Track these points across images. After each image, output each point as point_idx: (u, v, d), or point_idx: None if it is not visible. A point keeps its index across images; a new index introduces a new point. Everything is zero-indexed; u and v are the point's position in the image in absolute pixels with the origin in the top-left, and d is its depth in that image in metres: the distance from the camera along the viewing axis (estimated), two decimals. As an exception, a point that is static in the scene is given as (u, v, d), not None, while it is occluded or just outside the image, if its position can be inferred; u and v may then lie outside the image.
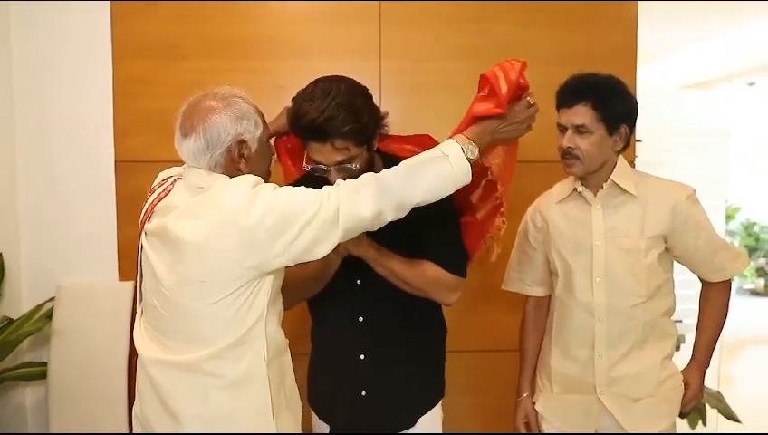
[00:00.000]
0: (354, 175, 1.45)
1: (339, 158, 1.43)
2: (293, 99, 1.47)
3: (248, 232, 1.23)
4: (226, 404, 1.29)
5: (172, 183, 1.39)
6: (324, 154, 1.44)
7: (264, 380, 1.30)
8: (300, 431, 1.44)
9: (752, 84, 5.12)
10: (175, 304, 1.29)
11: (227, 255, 1.24)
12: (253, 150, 1.36)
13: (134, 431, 1.41)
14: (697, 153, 4.41)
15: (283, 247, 1.25)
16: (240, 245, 1.23)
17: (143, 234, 1.37)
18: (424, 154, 1.35)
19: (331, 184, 1.42)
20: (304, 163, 1.50)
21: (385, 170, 1.33)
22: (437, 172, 1.33)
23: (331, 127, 1.39)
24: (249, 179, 1.29)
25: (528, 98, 1.44)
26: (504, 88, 1.38)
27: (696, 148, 4.42)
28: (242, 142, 1.34)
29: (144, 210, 1.39)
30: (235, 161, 1.34)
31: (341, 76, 1.49)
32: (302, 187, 1.30)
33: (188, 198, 1.31)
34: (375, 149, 1.54)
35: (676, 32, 3.91)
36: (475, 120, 1.41)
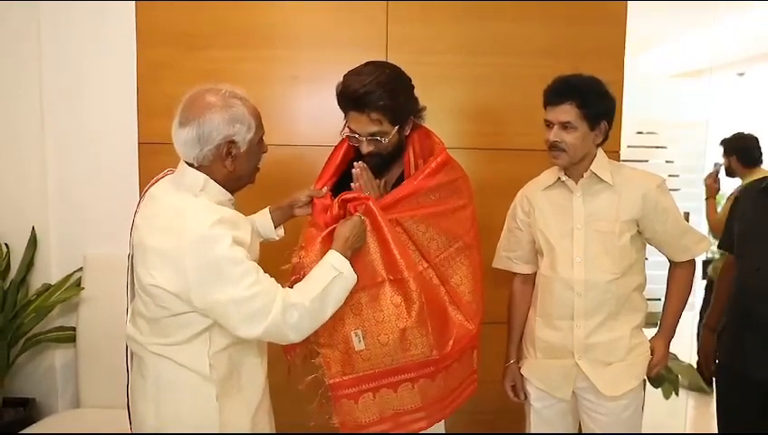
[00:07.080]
0: (382, 149, 1.65)
1: (372, 129, 1.64)
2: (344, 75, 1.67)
3: (183, 273, 1.33)
4: (174, 381, 1.45)
5: (165, 174, 1.54)
6: (360, 124, 1.65)
7: (205, 370, 1.43)
8: (251, 416, 1.52)
9: (741, 75, 5.25)
10: (139, 295, 1.47)
11: (167, 284, 1.36)
12: (242, 151, 1.44)
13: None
14: (685, 142, 4.56)
15: (201, 302, 1.35)
16: (177, 280, 1.35)
17: (134, 223, 1.49)
18: (322, 275, 1.48)
19: (363, 154, 1.63)
20: (342, 131, 1.70)
21: (303, 298, 1.43)
22: (339, 289, 1.50)
23: (369, 100, 1.61)
24: (212, 217, 1.35)
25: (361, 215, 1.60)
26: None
27: (682, 137, 4.57)
28: (231, 142, 1.41)
29: (142, 194, 1.53)
30: (222, 158, 1.42)
31: (390, 63, 1.71)
32: (258, 271, 1.40)
33: (164, 198, 1.44)
34: (406, 135, 1.72)
35: (666, 21, 3.97)
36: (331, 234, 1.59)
